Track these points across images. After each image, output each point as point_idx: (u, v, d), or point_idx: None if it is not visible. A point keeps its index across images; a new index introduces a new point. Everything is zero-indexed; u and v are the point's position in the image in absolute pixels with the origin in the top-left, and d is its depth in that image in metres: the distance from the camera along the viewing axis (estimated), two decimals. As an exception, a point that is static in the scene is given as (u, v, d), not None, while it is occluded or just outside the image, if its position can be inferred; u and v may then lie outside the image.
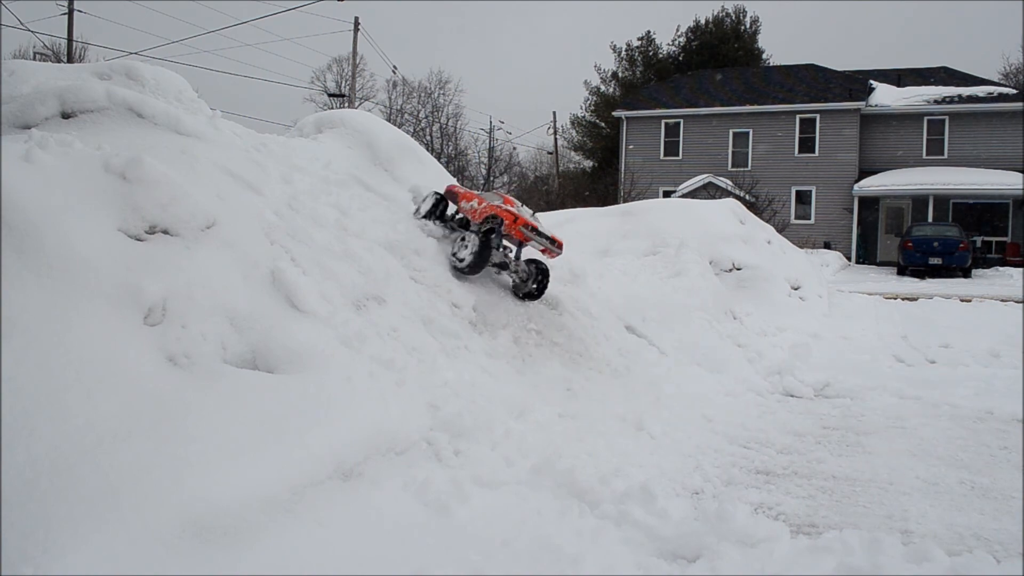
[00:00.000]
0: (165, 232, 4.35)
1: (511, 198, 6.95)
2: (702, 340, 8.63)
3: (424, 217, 7.31)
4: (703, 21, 42.81)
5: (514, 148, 76.14)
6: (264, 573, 2.92)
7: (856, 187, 28.36)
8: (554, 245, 6.69)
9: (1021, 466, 5.34)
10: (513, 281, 6.98)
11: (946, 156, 28.74)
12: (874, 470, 5.22)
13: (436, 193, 7.51)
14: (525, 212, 6.83)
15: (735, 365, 8.31)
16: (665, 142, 32.23)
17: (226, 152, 5.98)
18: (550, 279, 7.01)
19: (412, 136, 11.80)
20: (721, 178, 29.27)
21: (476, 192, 7.21)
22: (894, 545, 3.60)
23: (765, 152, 30.56)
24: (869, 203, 28.87)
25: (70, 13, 28.59)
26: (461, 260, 6.52)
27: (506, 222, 6.50)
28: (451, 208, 7.47)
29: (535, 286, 6.92)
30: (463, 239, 6.65)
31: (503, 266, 6.87)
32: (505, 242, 6.96)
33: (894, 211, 29.25)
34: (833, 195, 29.45)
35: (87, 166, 4.37)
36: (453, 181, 9.18)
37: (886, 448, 5.77)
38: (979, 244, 26.34)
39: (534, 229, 6.54)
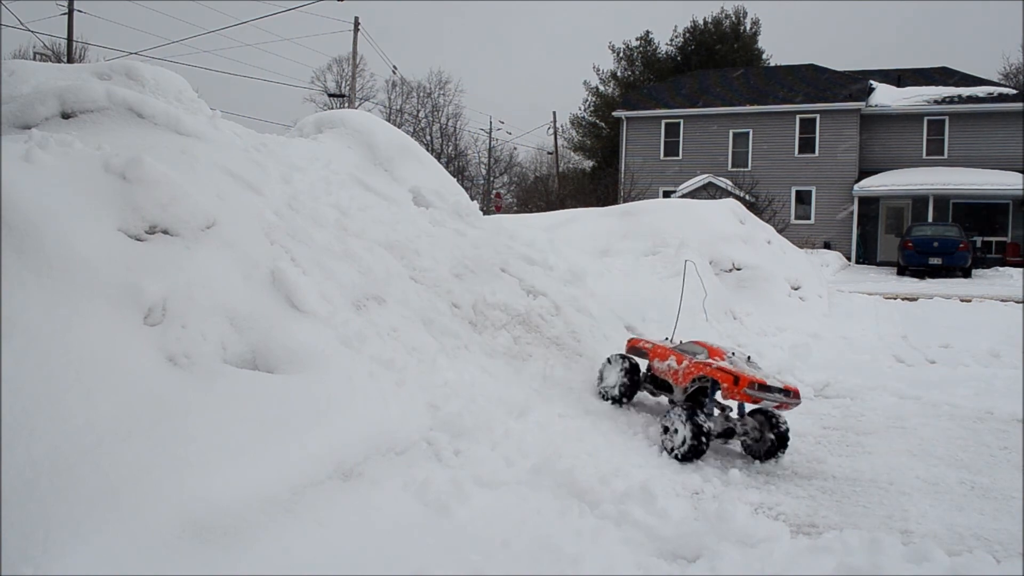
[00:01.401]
0: (165, 232, 4.36)
1: (717, 346, 5.78)
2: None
3: (616, 400, 6.00)
4: (702, 21, 42.82)
5: (514, 148, 76.27)
6: (264, 573, 2.92)
7: (856, 187, 28.36)
8: (790, 396, 5.23)
9: (1021, 466, 5.34)
10: (744, 443, 5.50)
11: (946, 156, 28.74)
12: (874, 470, 5.22)
13: (621, 357, 6.16)
14: (741, 361, 5.53)
15: (735, 365, 8.30)
16: (665, 142, 32.22)
17: (226, 152, 5.98)
18: (787, 425, 5.44)
19: (412, 136, 11.80)
20: (721, 178, 29.26)
21: (669, 344, 6.09)
22: (894, 545, 3.60)
23: (765, 152, 30.55)
24: (869, 203, 28.87)
25: (70, 13, 28.60)
26: (673, 450, 5.12)
27: (724, 385, 5.23)
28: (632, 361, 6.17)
29: (773, 436, 5.35)
30: (667, 418, 5.24)
31: (728, 434, 5.39)
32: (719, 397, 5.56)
33: (894, 211, 29.25)
34: (833, 195, 29.45)
35: (87, 166, 4.37)
36: (456, 185, 9.12)
37: (886, 448, 5.77)
38: (979, 244, 26.33)
39: (763, 387, 5.11)
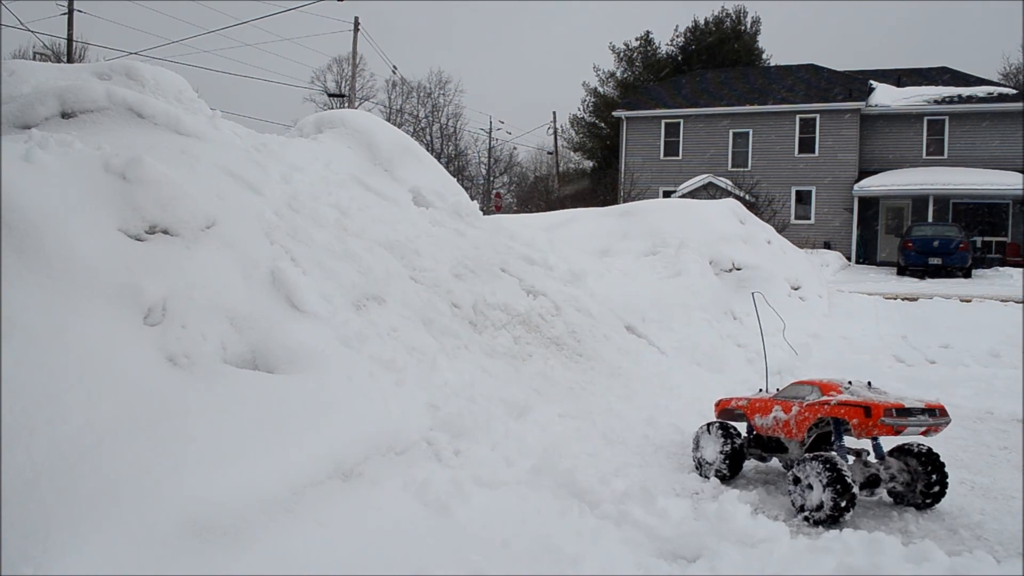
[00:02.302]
0: (165, 232, 4.35)
1: (827, 380, 4.83)
2: (702, 340, 8.63)
3: (723, 477, 4.87)
4: (702, 21, 42.82)
5: (514, 148, 76.20)
6: (264, 573, 2.92)
7: (856, 187, 28.36)
8: (937, 416, 4.52)
9: (1021, 466, 5.34)
10: (893, 489, 4.61)
11: (946, 156, 28.73)
12: (874, 470, 5.21)
13: (721, 426, 5.02)
14: (862, 390, 4.64)
15: (735, 365, 8.31)
16: (665, 142, 32.21)
17: (226, 152, 5.98)
18: (940, 457, 4.63)
19: (412, 136, 11.80)
20: (721, 178, 29.25)
21: (766, 395, 5.12)
22: (894, 545, 3.60)
23: (765, 152, 30.55)
24: (869, 203, 28.87)
25: (70, 13, 28.59)
26: (816, 511, 4.14)
27: (854, 422, 4.30)
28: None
29: (932, 478, 4.50)
30: (800, 469, 4.30)
31: (872, 483, 4.47)
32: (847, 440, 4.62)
33: (894, 211, 29.25)
34: (833, 195, 29.45)
35: (87, 166, 4.37)
36: (456, 185, 9.06)
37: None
38: (979, 244, 26.32)
39: (901, 411, 4.32)
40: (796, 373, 8.16)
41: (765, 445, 5.09)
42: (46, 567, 2.56)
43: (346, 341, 4.70)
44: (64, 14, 28.49)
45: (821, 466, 4.14)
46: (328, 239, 5.75)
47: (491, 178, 54.66)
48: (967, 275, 22.08)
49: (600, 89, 44.69)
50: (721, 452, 4.93)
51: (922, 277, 21.81)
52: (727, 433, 5.00)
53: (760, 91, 31.75)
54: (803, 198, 30.20)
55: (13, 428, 2.86)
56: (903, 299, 15.14)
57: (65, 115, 5.77)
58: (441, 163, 10.33)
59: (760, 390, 5.65)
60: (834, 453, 4.39)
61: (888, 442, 4.79)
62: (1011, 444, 5.94)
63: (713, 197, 22.87)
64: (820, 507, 4.11)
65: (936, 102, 28.80)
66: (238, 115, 45.42)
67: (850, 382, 4.78)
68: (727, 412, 5.33)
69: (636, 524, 3.87)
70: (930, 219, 26.52)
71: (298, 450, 3.64)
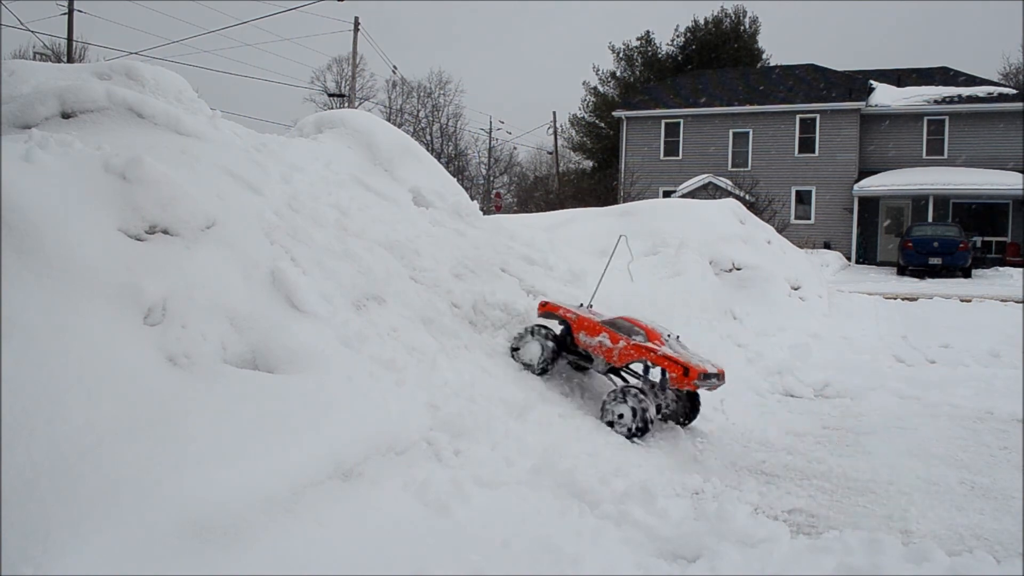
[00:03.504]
0: (165, 232, 4.36)
1: (650, 326, 5.90)
2: (702, 340, 8.63)
3: (541, 371, 5.99)
4: (702, 21, 42.82)
5: (514, 148, 76.20)
6: (264, 573, 2.92)
7: (856, 187, 28.37)
8: (722, 380, 5.76)
9: (1021, 466, 5.34)
10: (666, 414, 5.97)
11: (946, 156, 28.74)
12: (874, 470, 5.22)
13: (545, 334, 6.06)
14: (676, 345, 5.83)
15: (735, 365, 8.30)
16: (665, 142, 32.22)
17: (226, 152, 5.98)
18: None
19: (412, 136, 11.80)
20: (721, 178, 29.26)
21: (595, 317, 6.12)
22: (894, 545, 3.60)
23: (765, 152, 30.56)
24: (869, 203, 28.88)
25: (70, 13, 28.59)
26: (624, 426, 5.44)
27: (673, 375, 5.45)
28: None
29: (692, 407, 6.01)
30: (615, 399, 5.51)
31: (659, 408, 5.80)
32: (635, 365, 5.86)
33: (894, 211, 29.26)
34: (833, 195, 29.46)
35: (87, 166, 4.37)
36: (456, 185, 9.06)
37: (886, 448, 5.77)
38: (979, 244, 26.32)
39: (707, 375, 5.50)
40: (796, 373, 8.17)
41: (574, 351, 6.15)
42: (46, 567, 2.56)
43: (346, 341, 4.70)
44: (64, 14, 28.49)
45: (635, 399, 5.38)
46: (328, 239, 5.75)
47: (491, 178, 54.68)
48: (967, 275, 22.09)
49: (600, 89, 44.70)
50: (541, 356, 5.96)
51: (922, 277, 21.82)
52: (547, 339, 6.02)
53: (760, 91, 31.76)
54: (803, 198, 30.21)
55: (13, 428, 2.86)
56: (903, 299, 15.15)
57: (65, 115, 5.77)
58: (441, 163, 10.33)
59: (581, 304, 6.59)
60: (642, 386, 5.62)
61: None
62: (1011, 444, 5.94)
63: (713, 197, 22.87)
64: (631, 428, 5.36)
65: (936, 102, 28.80)
66: (238, 115, 45.43)
67: (669, 334, 5.95)
68: (550, 315, 6.22)
69: (636, 524, 3.87)
70: (930, 219, 26.53)
71: (298, 450, 3.64)
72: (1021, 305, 13.46)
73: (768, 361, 8.70)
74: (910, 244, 22.60)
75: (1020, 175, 26.50)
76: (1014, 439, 6.08)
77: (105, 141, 5.12)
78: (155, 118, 5.87)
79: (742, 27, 42.82)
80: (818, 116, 29.86)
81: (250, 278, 4.59)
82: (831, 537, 3.75)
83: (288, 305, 4.64)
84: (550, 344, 6.00)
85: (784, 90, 31.26)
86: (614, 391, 5.56)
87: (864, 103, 29.33)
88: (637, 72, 43.82)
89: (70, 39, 29.03)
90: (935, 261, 22.00)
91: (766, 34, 68.60)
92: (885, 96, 29.88)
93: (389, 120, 35.62)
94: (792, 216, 29.26)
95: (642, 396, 5.41)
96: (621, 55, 44.57)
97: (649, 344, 5.67)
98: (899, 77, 32.02)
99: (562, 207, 24.04)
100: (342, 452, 3.82)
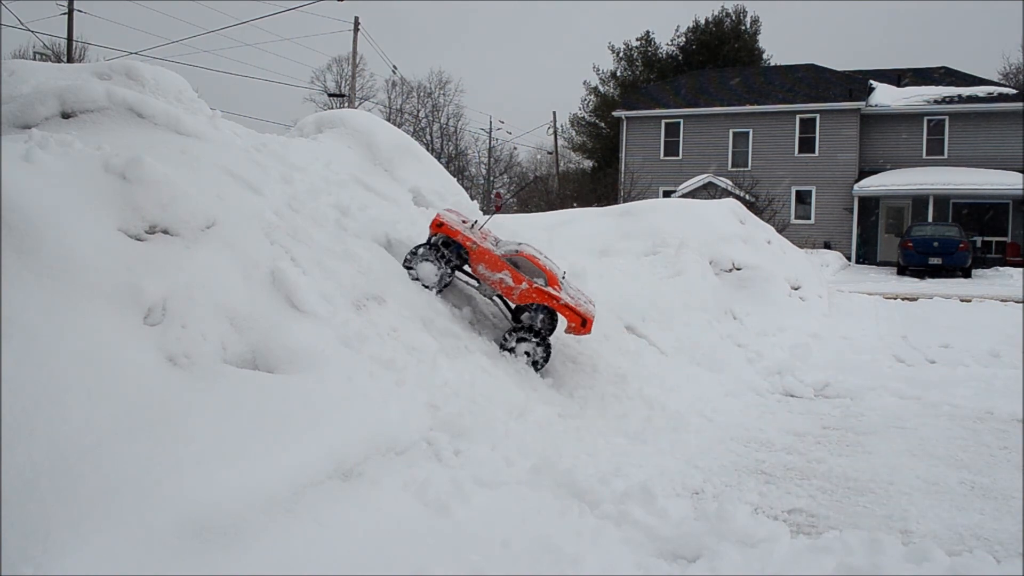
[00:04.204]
0: (165, 232, 4.35)
1: (548, 266, 6.20)
2: (702, 340, 8.63)
3: (437, 291, 6.16)
4: (703, 21, 42.82)
5: (514, 148, 76.16)
6: (264, 573, 2.92)
7: (856, 187, 28.36)
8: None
9: (1021, 466, 5.34)
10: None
11: (946, 156, 28.74)
12: (874, 470, 5.22)
13: (440, 255, 6.16)
14: (570, 289, 6.28)
15: (735, 365, 8.31)
16: (665, 142, 32.22)
17: (226, 152, 5.97)
18: None
19: (412, 136, 11.79)
20: (721, 178, 29.26)
21: (493, 247, 6.25)
22: (894, 545, 3.60)
23: (765, 152, 30.56)
24: (869, 203, 28.87)
25: (70, 13, 28.58)
26: (531, 360, 6.07)
27: (572, 325, 6.03)
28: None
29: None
30: (518, 331, 6.10)
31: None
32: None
33: (894, 211, 29.25)
34: (833, 195, 29.45)
35: (87, 166, 4.37)
36: (457, 185, 9.03)
37: (886, 448, 5.77)
38: (979, 244, 26.33)
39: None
40: (796, 373, 8.16)
41: (465, 272, 6.30)
42: (46, 567, 2.56)
43: (346, 341, 4.70)
44: (64, 14, 28.50)
45: (537, 340, 6.01)
46: (328, 239, 5.75)
47: (491, 178, 54.69)
48: (967, 275, 22.10)
49: (600, 89, 44.70)
50: (438, 278, 6.10)
51: (922, 277, 21.82)
52: (442, 261, 6.10)
53: (760, 91, 31.75)
54: (803, 198, 30.21)
55: (13, 428, 2.86)
56: (903, 299, 15.15)
57: (65, 115, 5.77)
58: (441, 163, 10.32)
59: (475, 223, 6.55)
60: (534, 326, 6.11)
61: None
62: (1011, 444, 5.94)
63: (713, 197, 22.87)
64: (536, 361, 6.00)
65: (936, 102, 28.81)
66: (238, 115, 45.46)
67: (564, 275, 6.33)
68: (445, 235, 6.14)
69: (636, 524, 3.87)
70: (930, 219, 26.54)
71: (298, 450, 3.64)
72: (1021, 305, 13.47)
73: (768, 361, 8.71)
74: (910, 244, 22.60)
75: (1020, 175, 26.49)
76: (1014, 439, 6.08)
77: (105, 141, 5.12)
78: (155, 118, 5.87)
79: (742, 27, 42.82)
80: (818, 116, 29.86)
81: (250, 278, 4.58)
82: (831, 537, 3.75)
83: (288, 305, 4.64)
84: (448, 269, 6.15)
85: (784, 90, 31.26)
86: (521, 329, 6.09)
87: (864, 103, 29.33)
88: (637, 72, 43.82)
89: (70, 39, 29.03)
90: (935, 261, 22.00)
91: (766, 34, 68.65)
92: (885, 96, 29.88)
93: (389, 120, 35.61)
94: (792, 216, 29.26)
95: (545, 338, 6.04)
96: (621, 55, 44.57)
97: (550, 290, 5.99)
98: (899, 77, 32.02)
99: (562, 207, 24.05)
100: (342, 452, 3.82)
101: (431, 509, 3.75)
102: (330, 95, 44.55)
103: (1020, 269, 22.22)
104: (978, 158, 28.05)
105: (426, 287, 6.07)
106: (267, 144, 7.02)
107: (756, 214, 17.25)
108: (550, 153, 50.68)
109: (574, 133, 47.29)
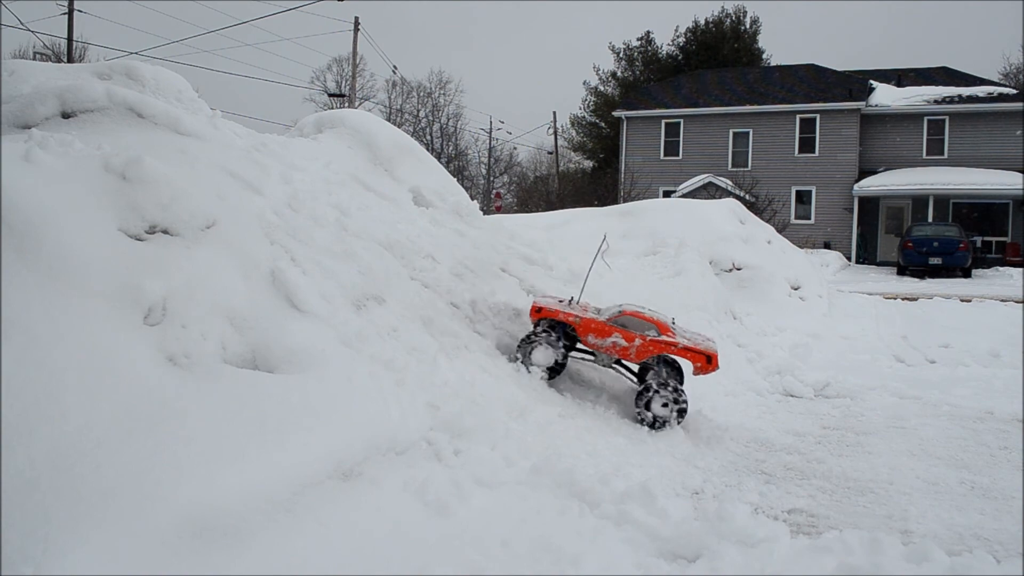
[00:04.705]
0: (165, 232, 4.35)
1: (656, 317, 6.00)
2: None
3: (554, 374, 5.95)
4: (703, 21, 42.82)
5: (514, 148, 76.13)
6: (264, 573, 2.92)
7: (856, 187, 28.36)
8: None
9: (1021, 466, 5.34)
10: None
11: (946, 156, 28.74)
12: (874, 470, 5.22)
13: (554, 336, 5.95)
14: (683, 331, 6.10)
15: (735, 365, 8.30)
16: (665, 142, 32.22)
17: (226, 152, 5.97)
18: None
19: (412, 136, 11.79)
20: (721, 178, 29.26)
21: (597, 316, 6.05)
22: (894, 545, 3.59)
23: (765, 152, 30.56)
24: (869, 203, 28.86)
25: (70, 13, 28.58)
26: (658, 422, 5.70)
27: (697, 365, 5.80)
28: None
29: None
30: (649, 391, 5.73)
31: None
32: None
33: (894, 211, 29.24)
34: (833, 195, 29.45)
35: (87, 166, 4.37)
36: (456, 185, 9.06)
37: (886, 448, 5.77)
38: (979, 244, 26.33)
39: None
40: (796, 373, 8.16)
41: (578, 349, 6.18)
42: (46, 567, 2.56)
43: (346, 341, 4.70)
44: (64, 14, 28.50)
45: (672, 392, 5.66)
46: (328, 239, 5.74)
47: (491, 178, 54.69)
48: (967, 275, 22.10)
49: (601, 89, 44.70)
50: (554, 360, 5.93)
51: (922, 277, 21.83)
52: (556, 341, 5.95)
53: (760, 91, 31.75)
54: (803, 198, 30.21)
55: (13, 428, 2.86)
56: (903, 299, 15.15)
57: (65, 115, 5.77)
58: (441, 163, 10.32)
59: (570, 300, 6.46)
60: (666, 379, 5.78)
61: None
62: (1011, 444, 5.94)
63: (713, 197, 22.88)
64: (666, 420, 5.63)
65: (936, 102, 28.81)
66: (238, 115, 45.48)
67: (674, 320, 6.19)
68: (548, 319, 6.07)
69: (636, 524, 3.87)
70: (930, 219, 26.53)
71: (298, 450, 3.64)
72: (1021, 305, 13.47)
73: (768, 361, 8.71)
74: (910, 244, 22.60)
75: (1020, 175, 26.49)
76: (1014, 439, 6.08)
77: (105, 141, 5.12)
78: (155, 118, 5.87)
79: (742, 27, 42.81)
80: (818, 116, 29.86)
81: (250, 278, 4.58)
82: (831, 537, 3.75)
83: (288, 305, 4.64)
84: (561, 348, 5.95)
85: (784, 90, 31.26)
86: (647, 388, 5.71)
87: (864, 103, 29.32)
88: (637, 72, 43.82)
89: (70, 39, 29.03)
90: (935, 261, 22.01)
91: (766, 34, 68.65)
92: (885, 96, 29.88)
93: (389, 120, 35.60)
94: (792, 216, 29.26)
95: (677, 388, 5.63)
96: (621, 55, 44.57)
97: (665, 338, 5.78)
98: (899, 77, 32.02)
99: (562, 207, 24.05)
100: (342, 452, 3.82)
101: (431, 509, 3.74)
102: (330, 95, 44.55)
103: (1020, 269, 22.23)
104: (978, 158, 28.05)
105: (544, 376, 5.88)
106: (267, 144, 7.02)
107: (756, 214, 17.26)
108: (550, 153, 50.68)
109: (574, 133, 47.30)
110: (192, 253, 4.35)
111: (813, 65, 33.32)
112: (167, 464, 3.14)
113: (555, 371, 6.00)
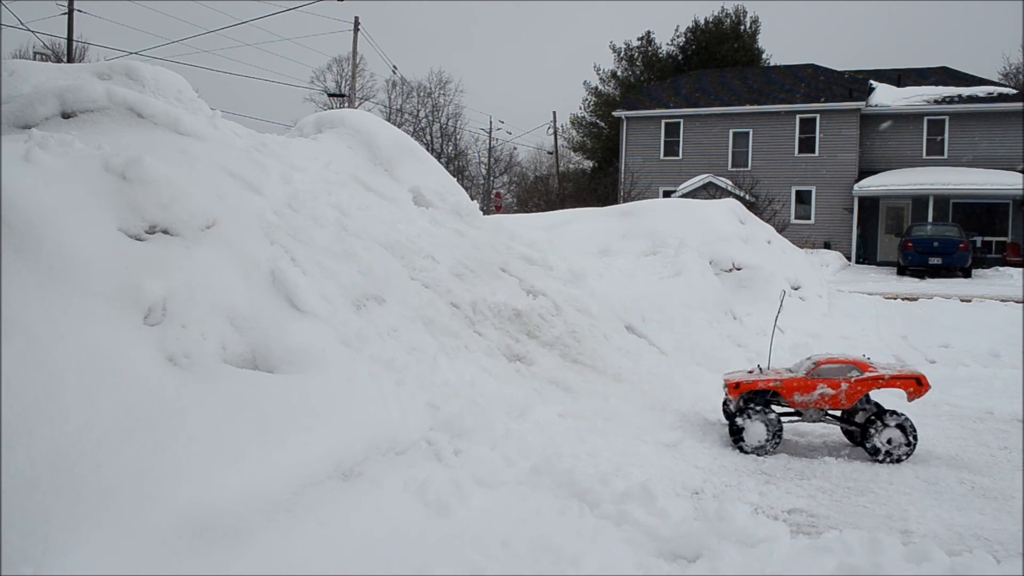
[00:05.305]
0: (165, 232, 4.35)
1: (850, 357, 5.88)
2: (702, 340, 8.64)
3: (771, 451, 5.54)
4: (703, 21, 42.79)
5: (514, 148, 76.07)
6: (264, 573, 2.92)
7: (856, 187, 28.36)
8: None
9: (1021, 466, 5.34)
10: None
11: (946, 156, 28.72)
12: (874, 470, 5.22)
13: (762, 409, 5.60)
14: (889, 361, 6.01)
15: (735, 365, 8.30)
16: (665, 142, 32.20)
17: (226, 152, 5.97)
18: None
19: (412, 136, 11.79)
20: (721, 178, 29.25)
21: (792, 375, 5.83)
22: (894, 545, 3.59)
23: (765, 152, 30.55)
24: (869, 203, 28.86)
25: (70, 13, 28.57)
26: (893, 452, 5.44)
27: (909, 390, 5.65)
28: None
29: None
30: (874, 429, 5.47)
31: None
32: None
33: (894, 211, 29.24)
34: (833, 195, 29.44)
35: (87, 166, 4.37)
36: (456, 185, 9.06)
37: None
38: (979, 244, 26.31)
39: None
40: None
41: (785, 412, 5.90)
42: (46, 567, 2.56)
43: (346, 341, 4.70)
44: (64, 14, 28.49)
45: (898, 417, 5.49)
46: (328, 239, 5.74)
47: (491, 178, 54.68)
48: (967, 275, 22.08)
49: (601, 89, 44.68)
50: (768, 433, 5.54)
51: (922, 277, 21.82)
52: (769, 413, 5.59)
53: (760, 91, 31.74)
54: (803, 198, 30.19)
55: (13, 428, 2.86)
56: (903, 299, 15.15)
57: (65, 115, 5.77)
58: (441, 163, 10.32)
59: (758, 368, 6.25)
60: (901, 413, 5.57)
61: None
62: (1011, 444, 5.94)
63: (713, 197, 22.86)
64: (896, 450, 5.43)
65: (936, 102, 28.79)
66: (238, 115, 45.48)
67: (864, 354, 6.13)
68: (747, 391, 5.83)
69: (636, 524, 3.87)
70: (930, 219, 26.51)
71: (298, 450, 3.64)
72: (1021, 305, 13.46)
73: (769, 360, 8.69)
74: (910, 244, 22.59)
75: (1020, 175, 26.48)
76: (1014, 439, 6.08)
77: (105, 141, 5.12)
78: (155, 118, 5.87)
79: (742, 27, 42.78)
80: (818, 116, 29.84)
81: (250, 278, 4.58)
82: (831, 537, 3.75)
83: (288, 305, 4.64)
84: (773, 418, 5.59)
85: (784, 90, 31.25)
86: (874, 420, 5.54)
87: (864, 103, 29.31)
88: (637, 72, 43.79)
89: (70, 39, 29.03)
90: (935, 261, 21.99)
91: (766, 34, 68.68)
92: (885, 96, 29.86)
93: (389, 120, 35.58)
94: (792, 216, 29.24)
95: (903, 415, 5.54)
96: (622, 55, 44.55)
97: (870, 374, 5.67)
98: (899, 77, 32.00)
99: (562, 207, 24.05)
100: (342, 452, 3.82)
101: (431, 509, 3.75)
102: (330, 95, 44.52)
103: (1020, 269, 22.21)
104: (978, 158, 28.04)
105: (758, 453, 5.52)
106: (267, 144, 7.02)
107: (756, 214, 17.25)
108: (550, 153, 50.67)
109: (574, 133, 47.26)
110: (192, 253, 4.35)
111: (813, 65, 33.31)
112: (167, 464, 3.14)
113: (777, 440, 5.62)
